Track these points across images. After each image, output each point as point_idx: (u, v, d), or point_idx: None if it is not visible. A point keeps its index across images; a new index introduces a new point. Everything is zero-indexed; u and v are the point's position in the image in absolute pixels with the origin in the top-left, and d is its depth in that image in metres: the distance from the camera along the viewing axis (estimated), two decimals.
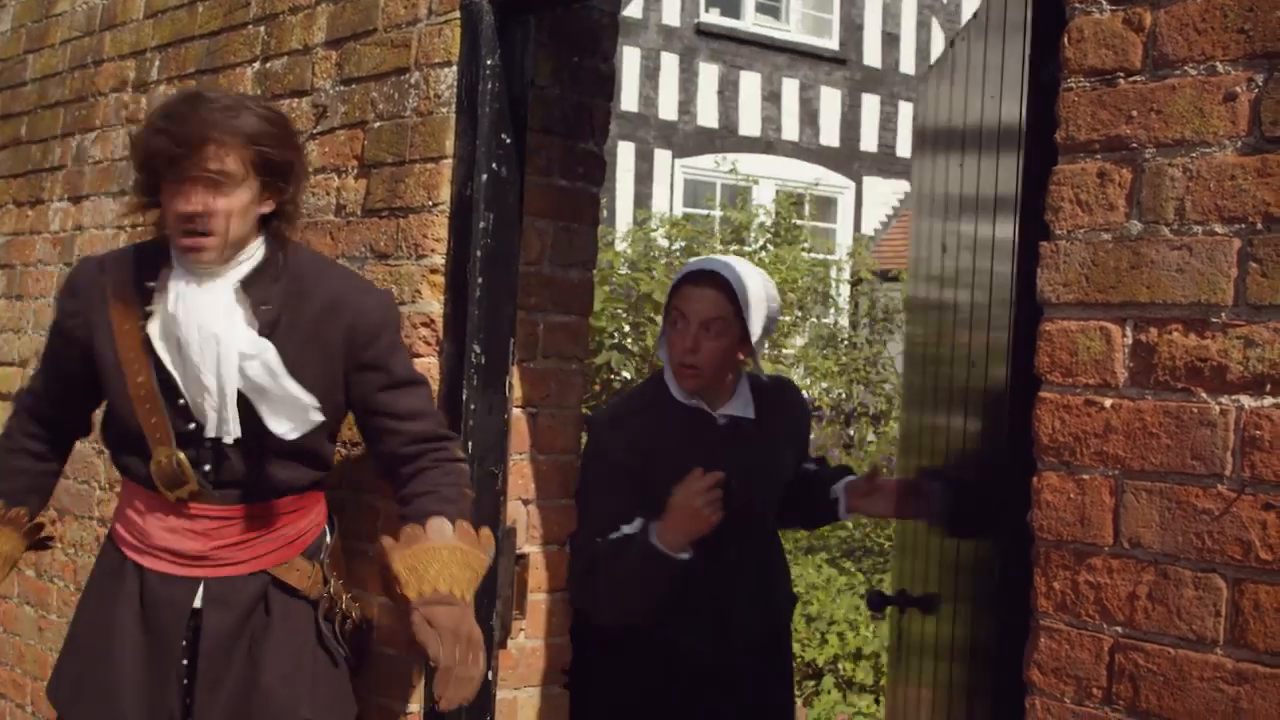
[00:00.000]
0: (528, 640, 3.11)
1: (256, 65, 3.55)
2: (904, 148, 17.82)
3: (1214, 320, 1.76)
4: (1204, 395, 1.77)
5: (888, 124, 17.78)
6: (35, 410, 2.84)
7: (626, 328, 5.86)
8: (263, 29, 3.54)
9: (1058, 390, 1.92)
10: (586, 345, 3.26)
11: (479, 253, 2.88)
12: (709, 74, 16.28)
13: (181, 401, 2.58)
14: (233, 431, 2.57)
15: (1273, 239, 1.71)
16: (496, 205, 2.91)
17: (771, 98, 16.73)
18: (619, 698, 3.16)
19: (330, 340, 2.63)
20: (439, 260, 2.94)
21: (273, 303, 2.60)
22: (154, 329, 2.56)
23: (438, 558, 2.50)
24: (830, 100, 17.26)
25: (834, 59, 17.23)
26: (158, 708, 2.62)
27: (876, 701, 6.14)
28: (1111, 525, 1.85)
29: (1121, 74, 1.87)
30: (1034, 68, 2.26)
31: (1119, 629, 1.84)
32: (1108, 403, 1.86)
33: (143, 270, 2.62)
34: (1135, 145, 1.85)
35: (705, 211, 13.91)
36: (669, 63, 15.96)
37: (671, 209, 14.85)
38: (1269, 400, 1.71)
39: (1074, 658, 1.89)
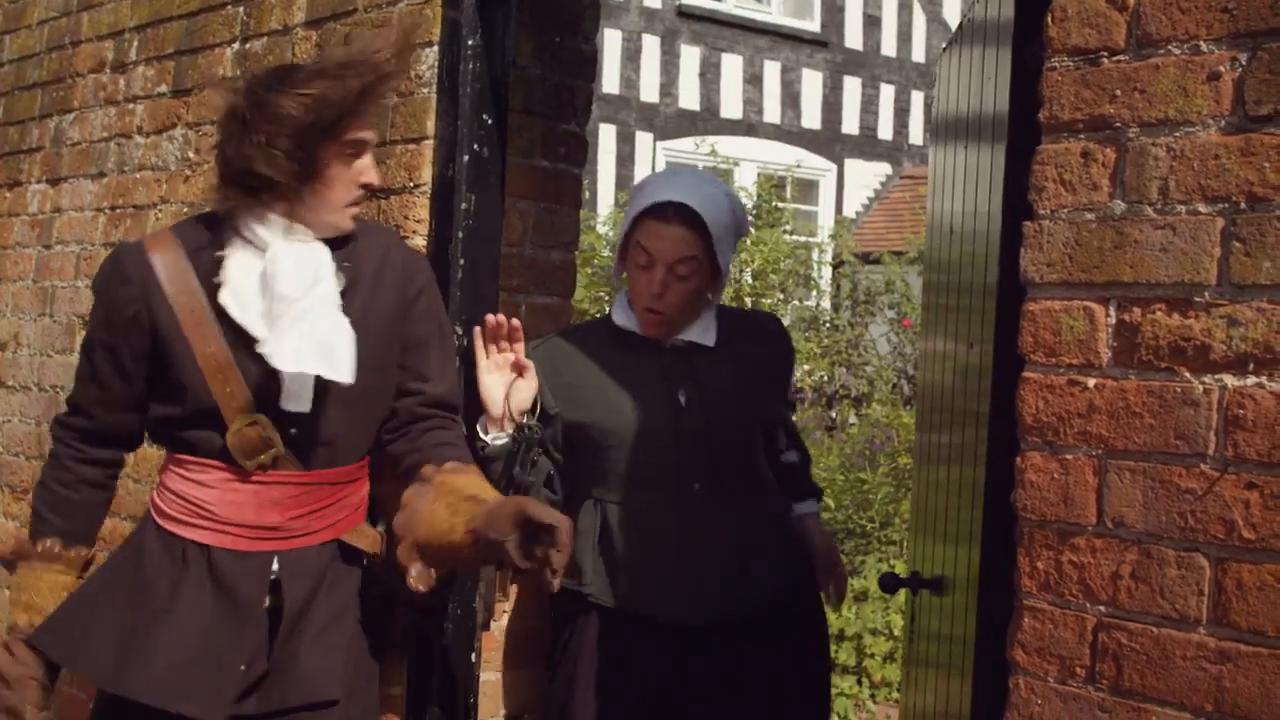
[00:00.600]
0: (511, 622, 3.10)
1: (236, 46, 3.53)
2: (885, 130, 17.82)
3: (1197, 300, 1.76)
4: (1187, 375, 1.77)
5: (869, 107, 17.77)
6: (89, 431, 2.68)
7: (609, 310, 5.85)
8: (242, 9, 3.52)
9: (1041, 370, 1.92)
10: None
11: (461, 234, 2.87)
12: (690, 56, 16.24)
13: (255, 368, 2.50)
14: (308, 397, 2.53)
15: (1256, 218, 1.71)
16: (478, 186, 2.89)
17: (753, 80, 16.70)
18: (592, 665, 2.90)
19: (389, 295, 2.62)
20: (421, 242, 2.93)
21: (351, 260, 2.59)
22: (227, 296, 2.49)
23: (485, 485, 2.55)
24: (812, 83, 17.23)
25: (816, 41, 17.20)
26: (228, 681, 2.50)
27: (859, 682, 6.16)
28: (1095, 505, 1.85)
29: (1105, 53, 1.86)
30: (1018, 48, 2.26)
31: (1102, 608, 1.85)
32: (1091, 382, 1.86)
33: (197, 243, 2.56)
34: (1119, 125, 1.84)
35: None
36: (650, 45, 15.92)
37: None
38: (1252, 380, 1.71)
39: (1057, 637, 1.89)
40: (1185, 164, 1.78)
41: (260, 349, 2.46)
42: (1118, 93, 1.85)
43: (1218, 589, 1.74)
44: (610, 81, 15.42)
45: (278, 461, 2.54)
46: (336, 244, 2.57)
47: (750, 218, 12.16)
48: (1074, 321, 1.88)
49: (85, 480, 2.70)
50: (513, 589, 3.07)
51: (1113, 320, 1.84)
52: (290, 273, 2.48)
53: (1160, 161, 1.80)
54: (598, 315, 5.41)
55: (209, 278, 2.52)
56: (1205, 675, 1.74)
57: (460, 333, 2.86)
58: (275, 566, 2.56)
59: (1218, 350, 1.74)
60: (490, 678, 3.05)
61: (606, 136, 15.47)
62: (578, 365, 2.91)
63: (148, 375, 2.60)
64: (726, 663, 2.89)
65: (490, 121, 2.91)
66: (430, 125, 2.92)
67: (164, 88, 3.79)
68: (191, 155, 3.64)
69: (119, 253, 2.64)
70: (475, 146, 2.88)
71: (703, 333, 2.95)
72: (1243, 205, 1.72)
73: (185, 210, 3.61)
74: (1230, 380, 1.73)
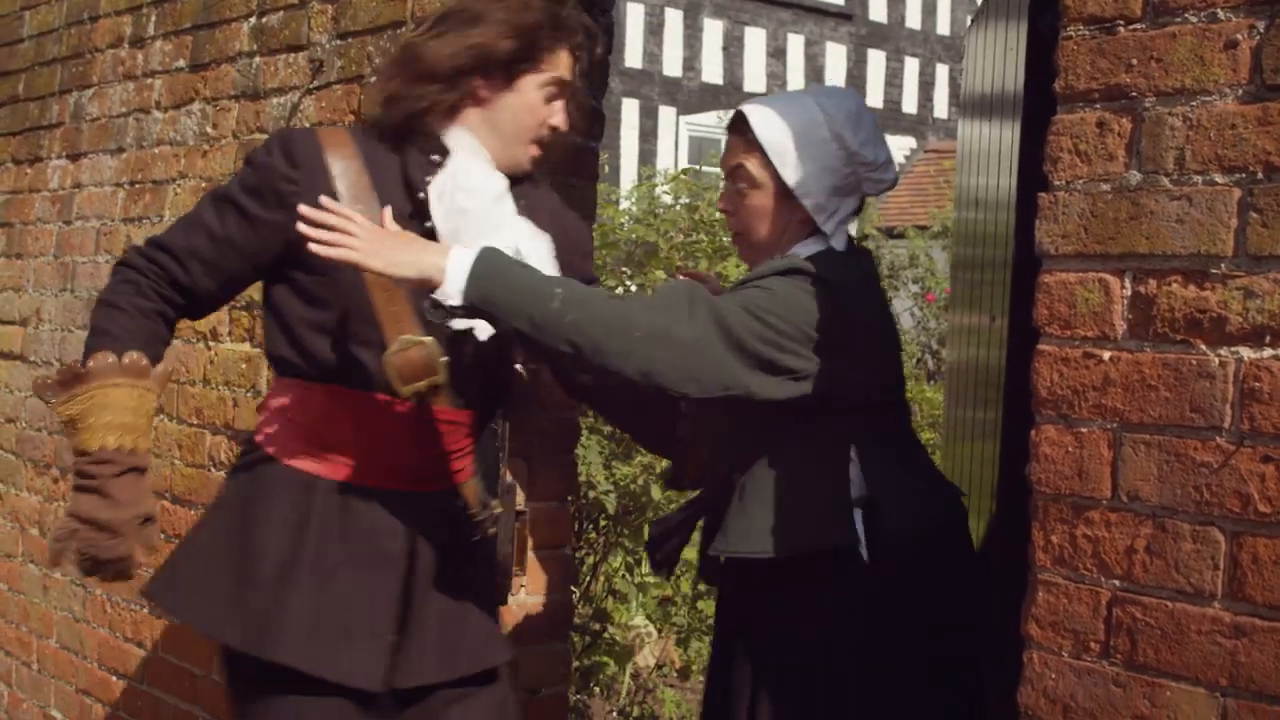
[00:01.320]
0: (529, 597, 3.11)
1: (253, 20, 3.52)
2: (910, 104, 17.72)
3: (1214, 271, 1.74)
4: (1203, 347, 1.75)
5: (894, 80, 17.68)
6: (176, 278, 2.36)
7: (632, 286, 5.81)
8: None
9: (1056, 343, 1.90)
10: None
11: None
12: (714, 30, 16.18)
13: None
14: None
15: (1273, 189, 1.69)
16: None
17: (777, 54, 16.63)
18: None
19: (557, 253, 2.48)
20: None
21: (526, 201, 2.47)
22: (432, 197, 2.33)
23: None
24: (836, 56, 17.16)
25: (840, 14, 17.12)
26: (378, 635, 2.31)
27: None
28: (1110, 478, 1.84)
29: (1121, 22, 1.84)
30: (1034, 18, 2.23)
31: (1117, 583, 1.83)
32: (1106, 355, 1.84)
33: (370, 149, 2.37)
34: (1135, 94, 1.82)
35: (711, 169, 13.85)
36: (673, 19, 15.86)
37: (676, 166, 14.79)
38: (1269, 352, 1.69)
39: (1072, 611, 1.88)
40: (1202, 134, 1.75)
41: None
42: (1134, 62, 1.82)
43: (1233, 563, 1.72)
44: (633, 56, 15.39)
45: (435, 393, 2.28)
46: (512, 182, 2.43)
47: None
48: (1089, 294, 1.86)
49: (161, 315, 2.37)
50: (529, 563, 3.07)
51: (1128, 292, 1.82)
52: (479, 187, 2.33)
53: (1176, 131, 1.78)
54: (615, 289, 5.40)
55: (384, 185, 2.34)
56: (1220, 650, 1.73)
57: None
58: (413, 510, 2.36)
59: (1234, 322, 1.72)
60: None
61: (629, 111, 15.43)
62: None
63: (286, 279, 2.36)
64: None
65: None
66: None
67: (182, 62, 3.79)
68: (209, 130, 3.64)
69: (290, 134, 2.39)
70: None
71: None
72: (1260, 175, 1.70)
73: (204, 185, 3.61)
74: (1247, 353, 1.71)
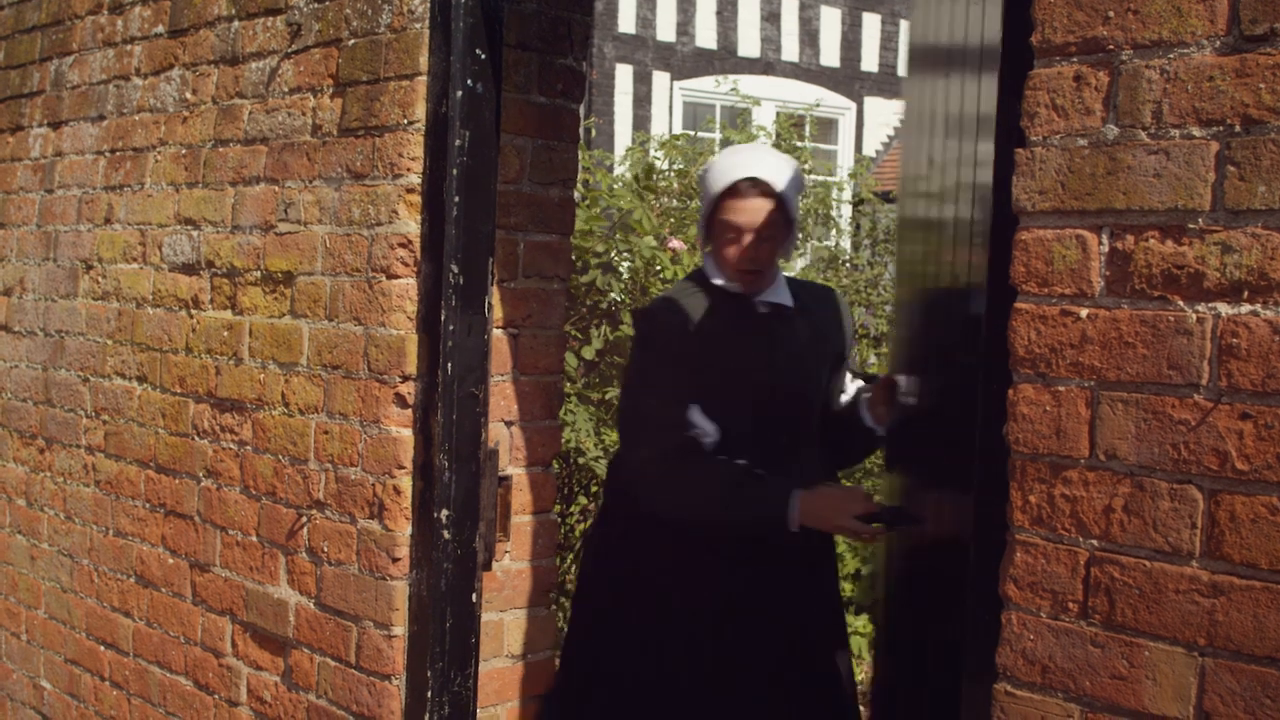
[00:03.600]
0: (513, 563, 3.09)
1: None
2: (904, 68, 17.62)
3: (1191, 226, 1.72)
4: (1181, 303, 1.73)
5: (889, 44, 17.58)
6: None
7: (623, 252, 5.79)
8: None
9: (1033, 300, 1.88)
10: (569, 265, 3.23)
11: (455, 171, 2.83)
12: None
13: None
14: None
15: (1251, 141, 1.66)
16: (472, 122, 2.85)
17: (771, 18, 16.53)
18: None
19: None
20: (415, 179, 2.89)
21: None
22: None
23: None
24: (830, 20, 17.05)
25: None
26: None
27: (873, 621, 6.15)
28: (1088, 437, 1.82)
29: None
30: None
31: (1095, 542, 1.82)
32: (1084, 312, 1.82)
33: None
34: (1112, 47, 1.79)
35: (706, 134, 13.78)
36: None
37: (670, 131, 14.72)
38: (1246, 308, 1.67)
39: (1050, 572, 1.86)
40: (1179, 86, 1.73)
41: None
42: (1111, 14, 1.79)
43: (1211, 522, 1.70)
44: (626, 21, 15.28)
45: None
46: None
47: None
48: (1066, 250, 1.84)
49: None
50: (514, 528, 3.06)
51: (1105, 248, 1.80)
52: None
53: (1154, 84, 1.75)
54: (602, 253, 5.36)
55: None
56: (1198, 609, 1.72)
57: (457, 270, 2.83)
58: None
59: (1211, 278, 1.70)
60: (492, 618, 3.04)
61: (623, 77, 15.34)
62: (706, 343, 3.20)
63: None
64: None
65: (484, 56, 2.86)
66: (423, 61, 2.87)
67: (161, 28, 3.75)
68: (189, 96, 3.60)
69: None
70: (469, 82, 2.84)
71: (783, 294, 3.30)
72: (1237, 128, 1.67)
73: (184, 152, 3.58)
74: (1224, 309, 1.69)
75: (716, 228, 3.21)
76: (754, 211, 3.14)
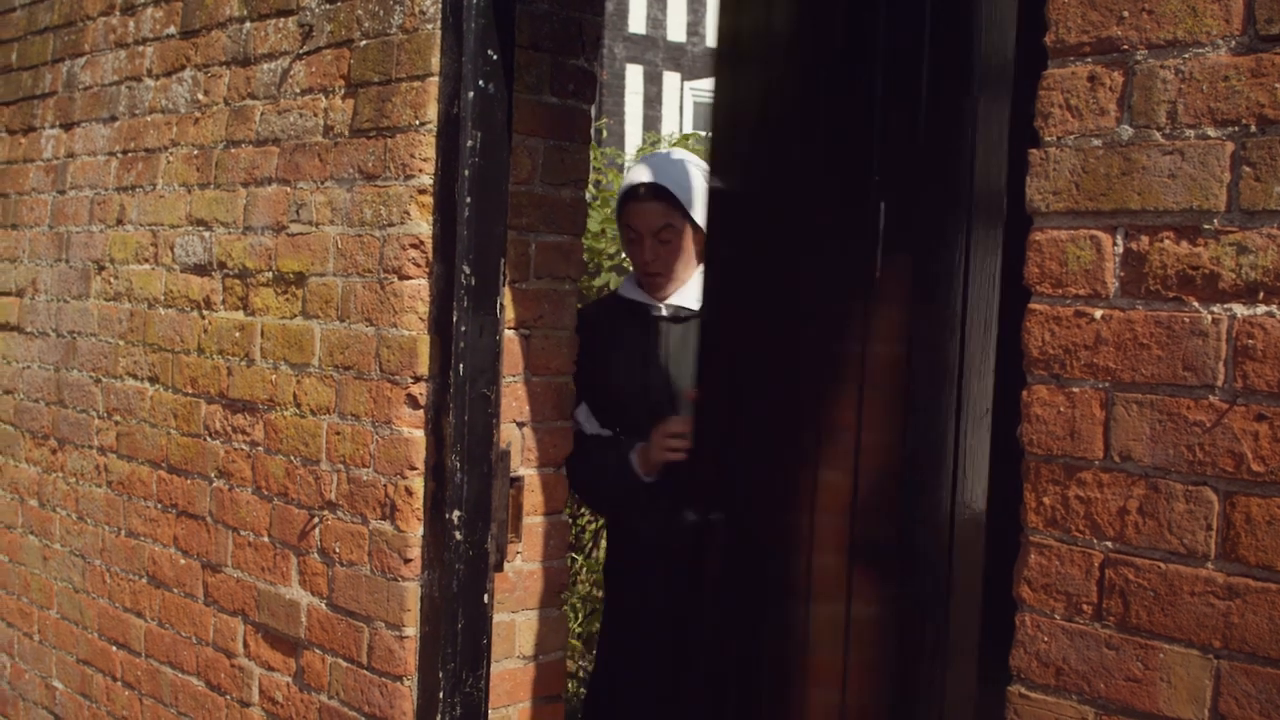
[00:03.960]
0: (525, 564, 3.09)
1: None
2: None
3: (1206, 227, 1.71)
4: (1196, 304, 1.72)
5: None
6: None
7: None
8: None
9: (1048, 301, 1.87)
10: (581, 265, 3.22)
11: (467, 172, 2.83)
12: None
13: None
14: None
15: (1267, 141, 1.65)
16: (484, 123, 2.85)
17: None
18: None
19: None
20: (427, 180, 2.89)
21: None
22: None
23: None
24: None
25: None
26: None
27: None
28: (1102, 439, 1.81)
29: None
30: None
31: (1109, 544, 1.81)
32: (1098, 313, 1.81)
33: None
34: (1126, 47, 1.79)
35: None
36: None
37: (681, 131, 14.72)
38: (1262, 309, 1.66)
39: (1064, 573, 1.86)
40: (1194, 86, 1.72)
41: None
42: (1125, 14, 1.79)
43: (1226, 523, 1.70)
44: (637, 21, 15.28)
45: None
46: None
47: None
48: (1080, 251, 1.83)
49: None
50: (525, 529, 3.06)
51: (1120, 249, 1.79)
52: None
53: (1168, 84, 1.74)
54: (614, 254, 5.36)
55: None
56: (1213, 611, 1.71)
57: (469, 271, 2.84)
58: None
59: (1226, 279, 1.69)
60: (504, 619, 3.04)
61: (634, 77, 15.34)
62: (595, 349, 3.31)
63: None
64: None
65: (495, 57, 2.86)
66: (434, 61, 2.87)
67: (173, 29, 3.75)
68: (200, 97, 3.61)
69: None
70: (480, 83, 2.84)
71: (690, 297, 3.46)
72: (1253, 128, 1.67)
73: (196, 153, 3.58)
74: (1240, 309, 1.68)
75: (623, 232, 3.54)
76: (648, 215, 3.41)
